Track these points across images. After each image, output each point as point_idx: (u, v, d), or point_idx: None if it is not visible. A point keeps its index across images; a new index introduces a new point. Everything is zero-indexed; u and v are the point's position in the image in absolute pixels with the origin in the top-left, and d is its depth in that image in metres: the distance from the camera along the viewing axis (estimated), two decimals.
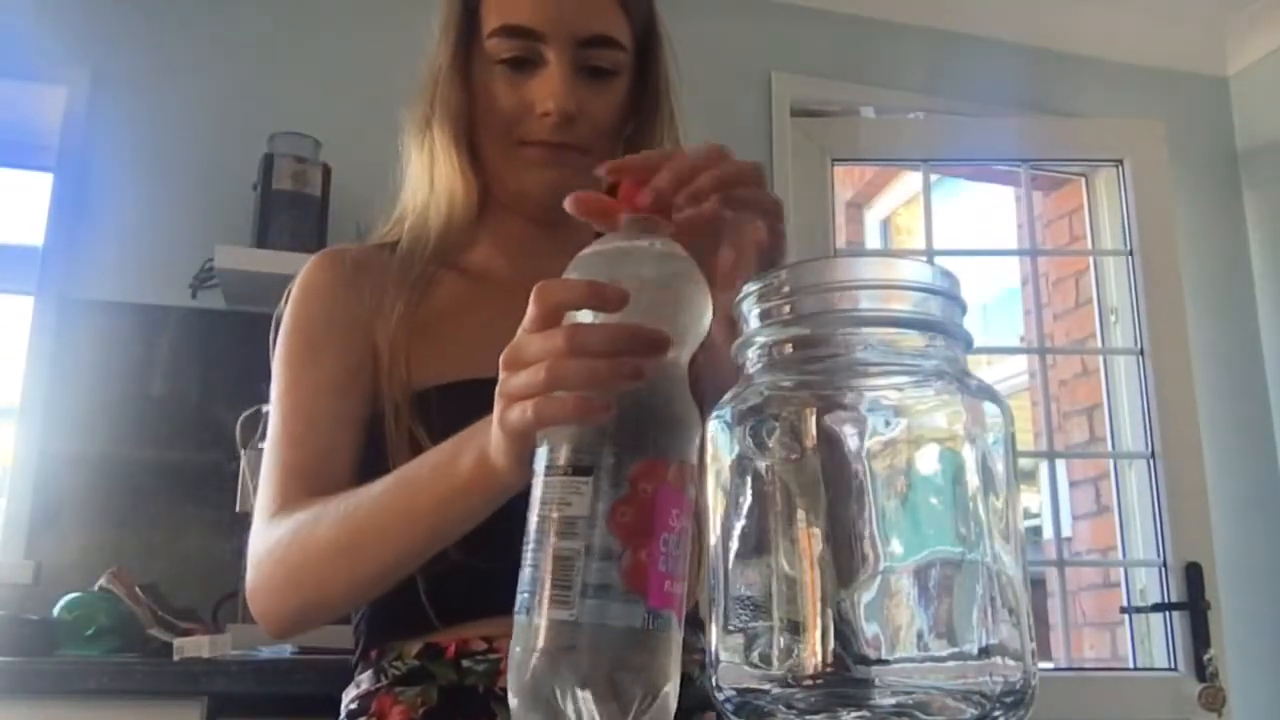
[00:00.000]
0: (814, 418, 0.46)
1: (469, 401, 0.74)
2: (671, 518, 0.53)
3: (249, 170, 2.24)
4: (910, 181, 3.60)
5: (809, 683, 0.44)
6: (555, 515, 0.52)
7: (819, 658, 0.44)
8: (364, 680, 0.86)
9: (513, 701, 0.53)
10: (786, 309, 0.48)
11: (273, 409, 0.92)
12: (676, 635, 0.52)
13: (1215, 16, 3.01)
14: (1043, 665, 3.19)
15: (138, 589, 1.83)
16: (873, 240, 4.01)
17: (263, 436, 2.01)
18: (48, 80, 2.36)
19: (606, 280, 0.55)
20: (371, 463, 0.86)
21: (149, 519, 2.15)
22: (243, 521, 1.97)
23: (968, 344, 0.47)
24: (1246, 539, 2.69)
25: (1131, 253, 2.69)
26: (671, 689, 0.52)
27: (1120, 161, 2.75)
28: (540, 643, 0.51)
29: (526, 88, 0.91)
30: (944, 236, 2.85)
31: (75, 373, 2.20)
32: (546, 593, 0.50)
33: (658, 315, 0.55)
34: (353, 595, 0.82)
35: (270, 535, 0.83)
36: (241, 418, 2.05)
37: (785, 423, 0.48)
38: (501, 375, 0.59)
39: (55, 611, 1.79)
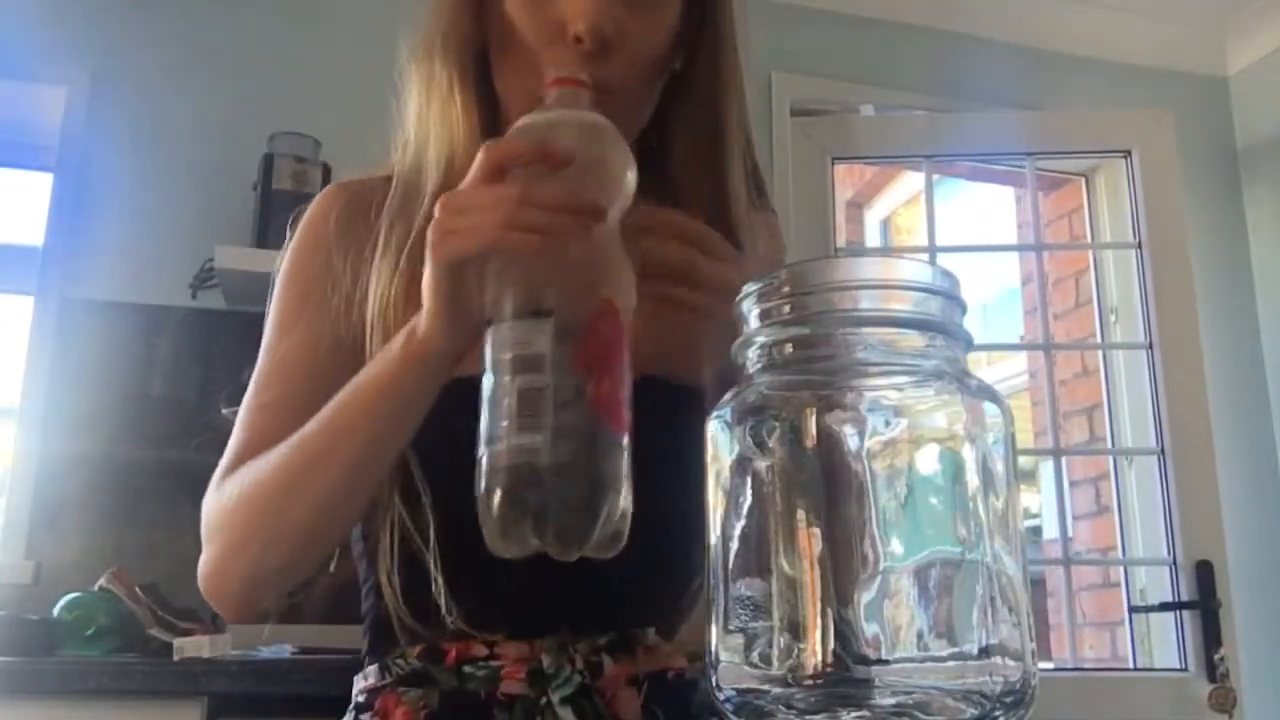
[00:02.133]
0: (814, 417, 0.46)
1: (467, 399, 0.66)
2: (624, 352, 0.59)
3: (249, 170, 2.24)
4: (910, 181, 3.60)
5: (809, 683, 0.44)
6: (518, 355, 0.57)
7: (819, 658, 0.44)
8: (371, 673, 0.85)
9: (486, 525, 0.56)
10: (786, 309, 0.48)
11: (257, 365, 0.86)
12: (627, 454, 0.58)
13: (1215, 16, 3.01)
14: (1046, 665, 3.18)
15: (138, 589, 1.83)
16: (873, 240, 4.01)
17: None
18: (48, 80, 2.36)
19: (548, 141, 0.61)
20: None
21: (149, 519, 2.14)
22: None
23: (968, 344, 0.47)
24: (1257, 537, 2.69)
25: (1140, 245, 2.68)
26: (628, 505, 0.58)
27: (1128, 153, 2.74)
28: (510, 461, 0.56)
29: (553, 5, 0.77)
30: (944, 237, 2.84)
31: (75, 373, 2.20)
32: (514, 422, 0.55)
33: (592, 179, 0.61)
34: (314, 527, 0.75)
35: (222, 493, 0.78)
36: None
37: (785, 423, 0.47)
38: (439, 216, 0.60)
39: (55, 611, 1.79)
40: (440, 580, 0.77)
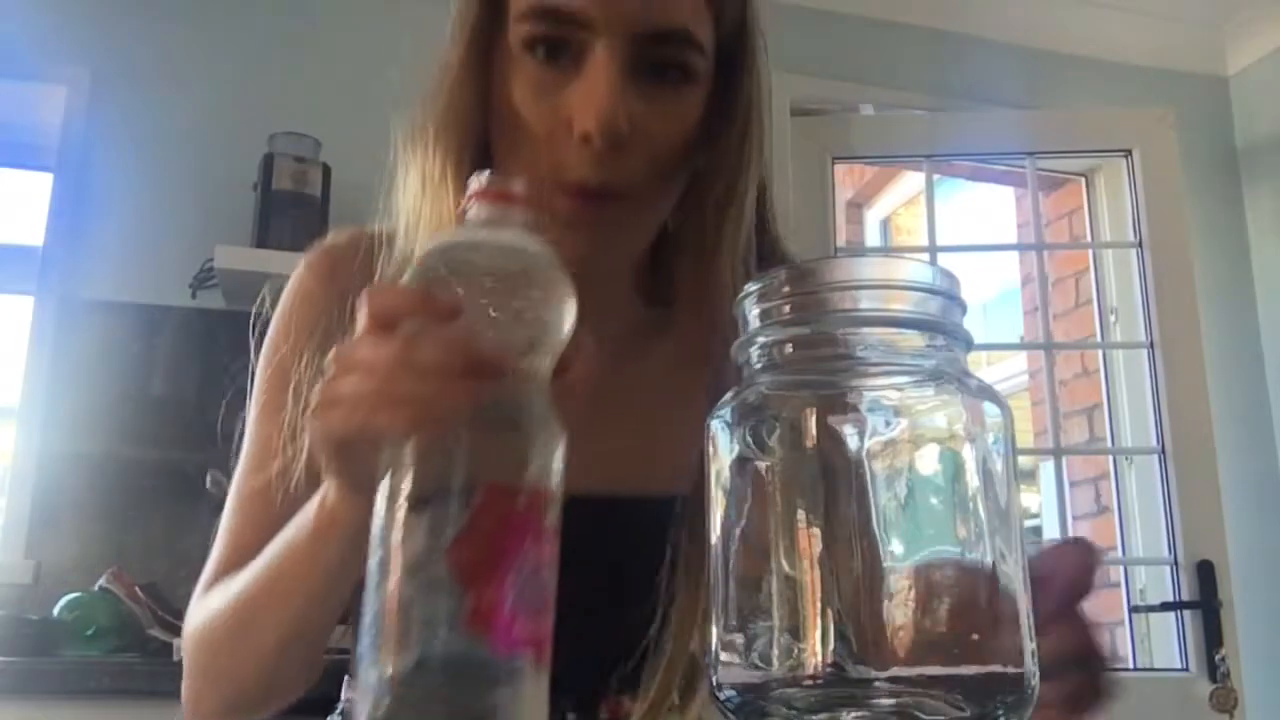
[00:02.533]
0: (814, 417, 0.46)
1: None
2: (523, 549, 0.48)
3: (249, 170, 2.24)
4: (910, 181, 3.60)
5: (809, 683, 0.44)
6: (394, 554, 0.47)
7: (819, 658, 0.44)
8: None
9: None
10: (787, 309, 0.47)
11: (245, 439, 0.82)
12: (533, 677, 0.48)
13: (1215, 16, 3.01)
14: None
15: (138, 589, 1.83)
16: (873, 240, 4.01)
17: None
18: (48, 80, 2.36)
19: (447, 279, 0.49)
20: None
21: (149, 519, 2.15)
22: None
23: (968, 344, 0.47)
24: (1258, 536, 2.69)
25: (1141, 245, 2.68)
26: None
27: (1129, 152, 2.74)
28: (384, 692, 0.47)
29: (562, 95, 0.68)
30: (944, 237, 2.84)
31: (75, 373, 2.20)
32: (385, 644, 0.47)
33: (507, 320, 0.50)
34: (266, 678, 0.72)
35: (193, 618, 0.75)
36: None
37: (785, 422, 0.47)
38: (326, 379, 0.52)
39: (55, 611, 1.79)
40: None
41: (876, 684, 0.43)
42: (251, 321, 0.84)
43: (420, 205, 0.75)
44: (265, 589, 0.68)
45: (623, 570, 0.76)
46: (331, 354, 0.51)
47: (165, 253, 2.28)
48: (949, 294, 0.47)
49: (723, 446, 0.49)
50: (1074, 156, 2.90)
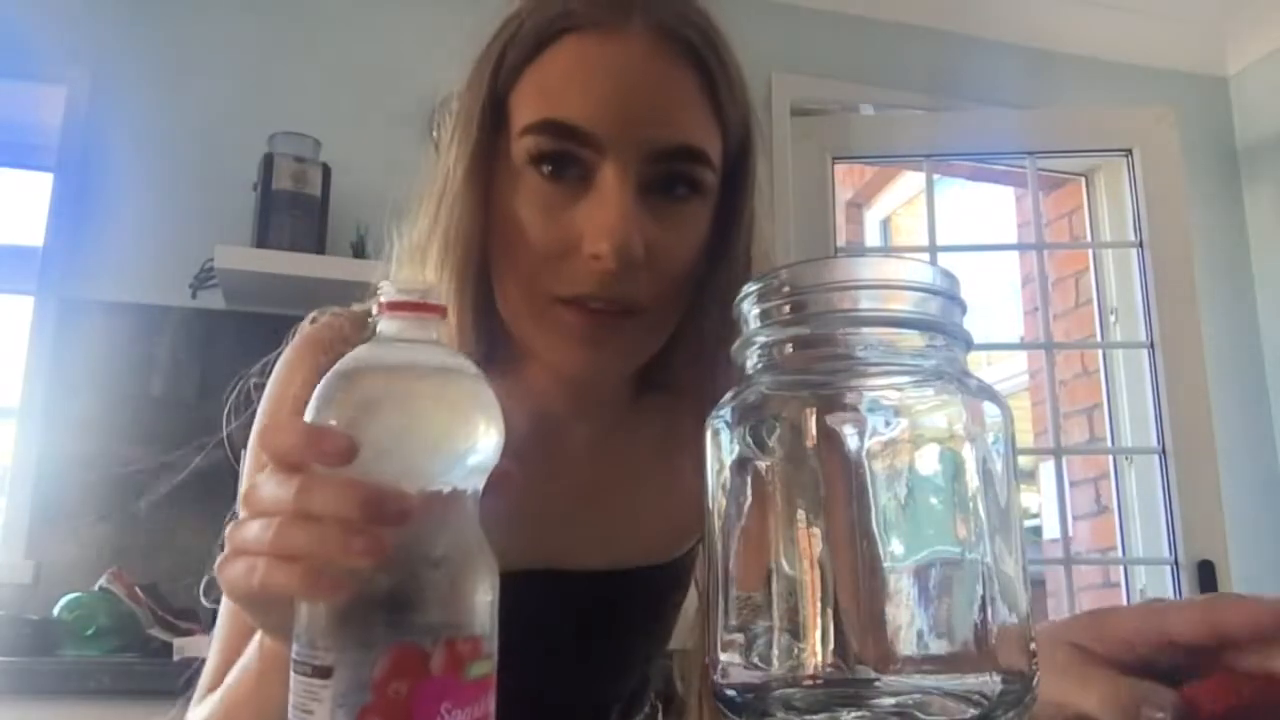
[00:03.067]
0: (814, 417, 0.45)
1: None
2: (438, 718, 0.43)
3: (249, 170, 2.24)
4: (910, 181, 3.60)
5: (809, 683, 0.44)
6: None
7: (819, 657, 0.44)
8: None
9: None
10: (786, 309, 0.47)
11: None
12: None
13: (1215, 16, 3.01)
14: None
15: (138, 589, 1.83)
16: (873, 240, 4.01)
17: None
18: (48, 80, 2.36)
19: (349, 410, 0.45)
20: None
21: (149, 519, 2.15)
22: None
23: (968, 344, 0.47)
24: (1259, 536, 2.69)
25: (1141, 244, 2.68)
26: None
27: (1129, 151, 2.74)
28: None
29: (569, 215, 0.65)
30: (944, 237, 2.84)
31: (75, 373, 2.20)
32: None
33: (421, 447, 0.45)
34: None
35: None
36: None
37: (785, 422, 0.46)
38: (236, 519, 0.48)
39: (55, 611, 1.79)
40: None
41: (877, 684, 0.43)
42: (226, 405, 0.81)
43: None
44: None
45: (622, 639, 0.82)
46: (241, 493, 0.48)
47: (165, 253, 2.28)
48: (949, 294, 0.46)
49: (723, 446, 0.48)
50: (1074, 156, 2.90)
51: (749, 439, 0.47)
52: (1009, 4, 2.90)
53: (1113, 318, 2.82)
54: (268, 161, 2.21)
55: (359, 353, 0.47)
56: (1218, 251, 2.91)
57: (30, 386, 2.19)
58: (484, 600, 0.45)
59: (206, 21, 2.46)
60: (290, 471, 0.45)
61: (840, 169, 2.95)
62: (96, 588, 1.83)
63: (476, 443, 0.46)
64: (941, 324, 0.46)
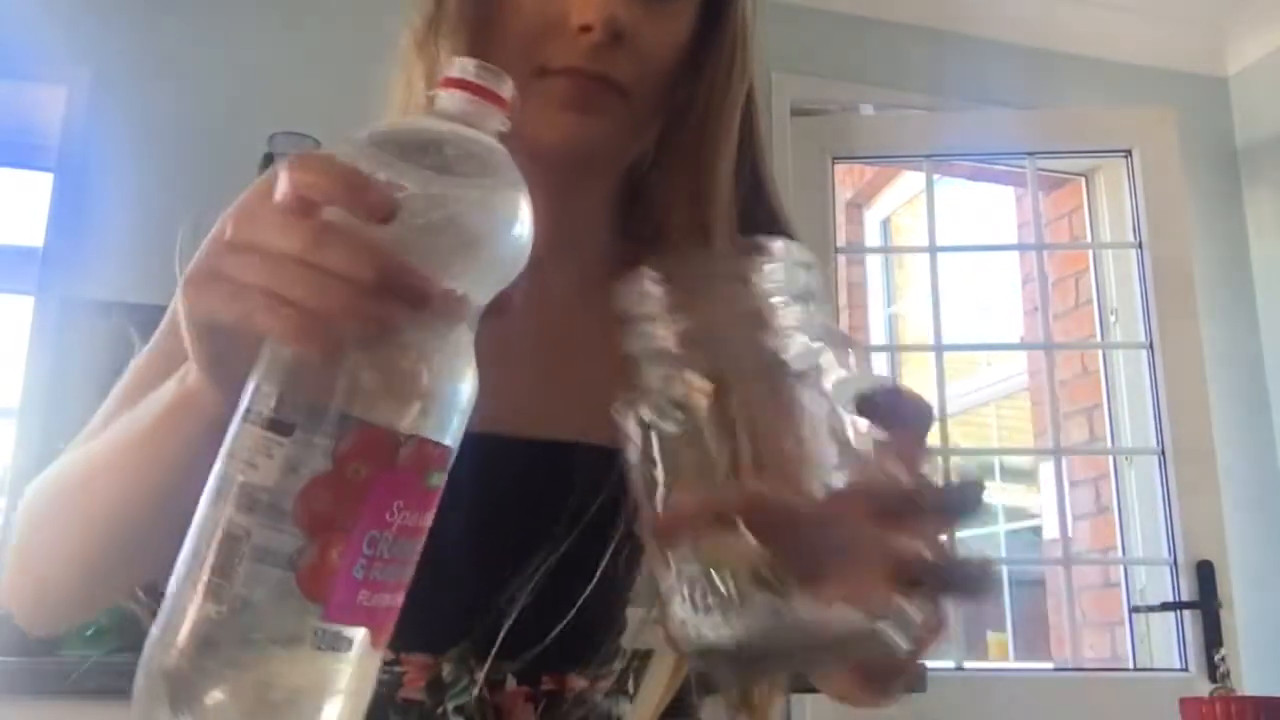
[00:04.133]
0: (704, 386, 0.44)
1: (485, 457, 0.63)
2: (389, 512, 0.41)
3: (249, 170, 2.24)
4: (910, 181, 3.60)
5: (738, 621, 0.42)
6: (238, 477, 0.41)
7: (738, 595, 0.41)
8: None
9: (137, 690, 0.42)
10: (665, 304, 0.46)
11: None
12: (362, 658, 0.42)
13: (1215, 16, 3.01)
14: (1046, 665, 3.19)
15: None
16: (873, 240, 4.01)
17: None
18: (48, 80, 2.36)
19: (389, 174, 0.42)
20: None
21: None
22: None
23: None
24: (1258, 536, 2.69)
25: (1140, 245, 2.68)
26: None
27: (1129, 152, 2.74)
28: (180, 636, 0.41)
29: None
30: (944, 237, 2.84)
31: (75, 373, 2.20)
32: (203, 575, 0.41)
33: (449, 232, 0.42)
34: (81, 565, 0.64)
35: (28, 491, 0.69)
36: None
37: (673, 398, 0.45)
38: (209, 245, 0.44)
39: None
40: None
41: (797, 606, 0.41)
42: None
43: (421, 95, 0.74)
44: (102, 462, 0.61)
45: (578, 520, 0.75)
46: (230, 210, 0.44)
47: (165, 253, 2.27)
48: (807, 265, 0.45)
49: (632, 432, 0.47)
50: (1074, 156, 2.90)
51: (649, 417, 0.45)
52: (1009, 4, 2.90)
53: (1113, 318, 2.82)
54: (268, 161, 2.21)
55: (413, 118, 0.45)
56: (1217, 251, 2.91)
57: (30, 386, 2.19)
58: (461, 416, 0.44)
59: (206, 22, 2.46)
60: (302, 213, 0.41)
61: (840, 169, 2.95)
62: None
63: (510, 255, 0.44)
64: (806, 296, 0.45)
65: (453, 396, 0.44)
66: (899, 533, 0.40)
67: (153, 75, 2.39)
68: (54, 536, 0.65)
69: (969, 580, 0.40)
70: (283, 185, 0.42)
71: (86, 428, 0.74)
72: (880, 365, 3.73)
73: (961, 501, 0.41)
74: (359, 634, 0.42)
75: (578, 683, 0.80)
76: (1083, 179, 2.95)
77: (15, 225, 2.48)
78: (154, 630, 0.42)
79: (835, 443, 0.41)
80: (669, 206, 0.77)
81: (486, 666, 0.74)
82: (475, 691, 0.74)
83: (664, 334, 0.43)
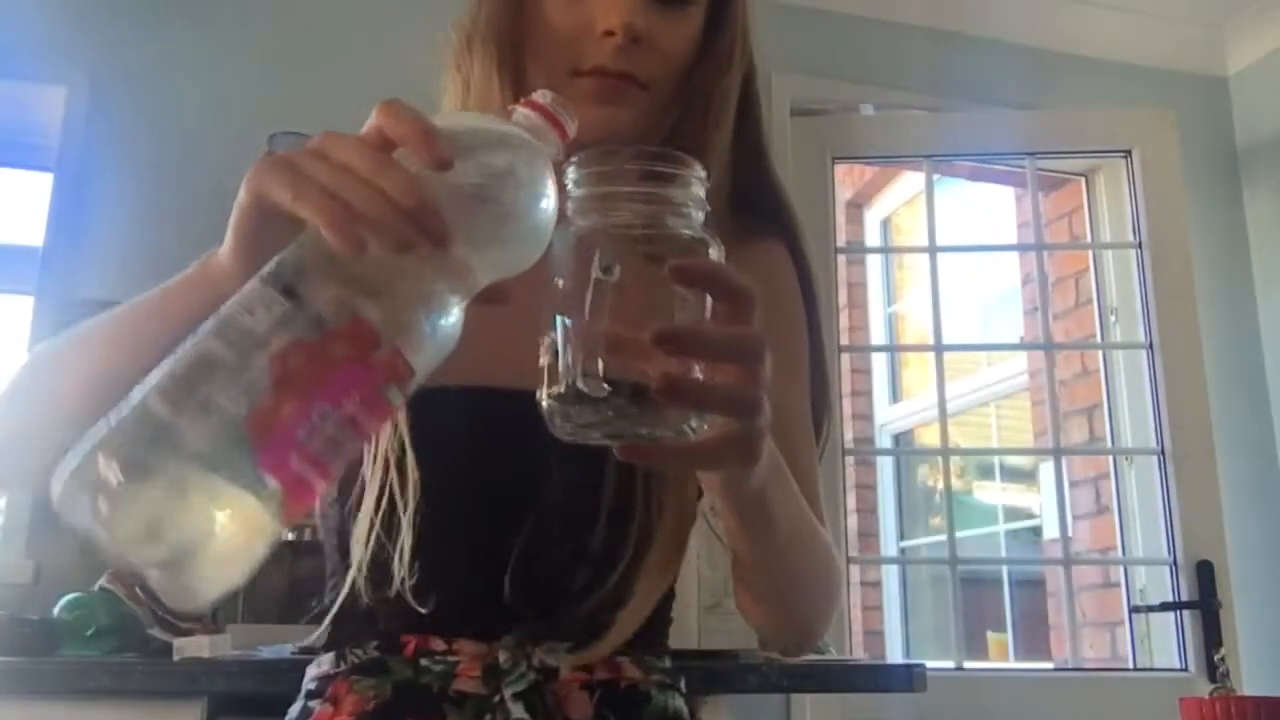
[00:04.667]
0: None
1: (478, 411, 0.73)
2: (346, 397, 0.47)
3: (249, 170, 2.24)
4: (910, 181, 3.60)
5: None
6: (235, 318, 0.48)
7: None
8: (325, 661, 0.85)
9: (66, 461, 0.46)
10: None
11: None
12: (264, 518, 0.46)
13: (1215, 16, 3.01)
14: (1046, 665, 3.19)
15: (138, 589, 1.83)
16: (873, 239, 4.01)
17: None
18: (48, 80, 2.36)
19: (456, 146, 0.50)
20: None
21: None
22: None
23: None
24: (1258, 536, 2.69)
25: (1140, 245, 2.68)
26: (218, 570, 0.47)
27: (1129, 152, 2.74)
28: (126, 421, 0.46)
29: (585, 3, 0.80)
30: (944, 237, 2.84)
31: None
32: (169, 384, 0.46)
33: (478, 209, 0.51)
34: (70, 413, 0.63)
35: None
36: None
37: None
38: (306, 148, 0.52)
39: (55, 611, 1.79)
40: (412, 571, 0.78)
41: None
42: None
43: (466, 103, 0.84)
44: (114, 317, 0.69)
45: (571, 478, 0.79)
46: (319, 137, 0.52)
47: (165, 253, 2.26)
48: (703, 180, 0.55)
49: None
50: (1074, 156, 2.90)
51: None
52: (1009, 4, 2.90)
53: (1113, 318, 2.82)
54: None
55: (496, 120, 0.55)
56: (1217, 252, 2.91)
57: None
58: (434, 353, 0.51)
59: (206, 22, 2.46)
60: (377, 146, 0.50)
61: (840, 169, 2.95)
62: (96, 588, 1.83)
63: (524, 246, 0.53)
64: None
65: (432, 331, 0.51)
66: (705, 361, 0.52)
67: (152, 75, 2.39)
68: (49, 388, 0.70)
69: (734, 403, 0.52)
70: (370, 123, 0.52)
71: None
72: (880, 365, 3.75)
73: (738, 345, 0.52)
74: (275, 491, 0.46)
75: (632, 672, 0.83)
76: (1083, 179, 2.95)
77: (15, 225, 2.47)
78: (104, 419, 0.46)
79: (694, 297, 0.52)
80: None
81: (536, 652, 0.78)
82: (533, 677, 0.77)
83: (618, 199, 0.53)
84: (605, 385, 0.51)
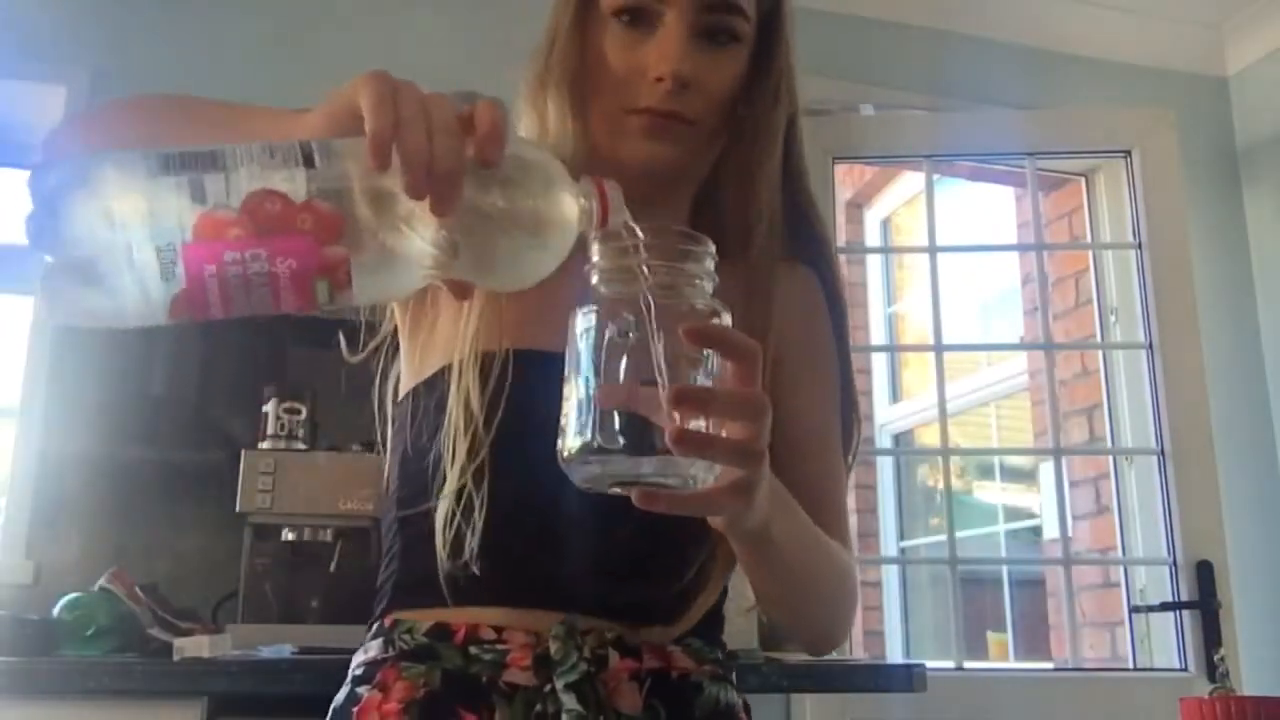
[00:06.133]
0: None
1: (537, 372, 0.78)
2: (283, 255, 0.54)
3: None
4: (910, 181, 3.60)
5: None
6: (258, 147, 0.55)
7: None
8: (373, 648, 0.86)
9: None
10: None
11: None
12: (160, 288, 0.55)
13: (1215, 16, 3.01)
14: (1046, 665, 3.19)
15: (138, 589, 1.83)
16: (873, 239, 4.01)
17: (263, 437, 2.01)
18: (48, 80, 2.36)
19: (510, 166, 0.59)
20: (428, 414, 0.86)
21: (149, 519, 2.15)
22: (242, 521, 1.97)
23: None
24: (1257, 537, 2.69)
25: (1140, 245, 2.68)
26: (90, 295, 0.58)
27: (1128, 152, 2.74)
28: (107, 168, 0.54)
29: (641, 50, 0.88)
30: (944, 237, 2.84)
31: (75, 373, 2.20)
32: (171, 154, 0.54)
33: (483, 223, 0.58)
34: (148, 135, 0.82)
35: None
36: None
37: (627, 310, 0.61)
38: (400, 88, 0.59)
39: (55, 611, 1.79)
40: (444, 566, 0.82)
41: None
42: None
43: (541, 134, 0.92)
44: (222, 117, 0.82)
45: None
46: (423, 92, 0.59)
47: None
48: (714, 256, 0.63)
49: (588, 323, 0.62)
50: (1074, 156, 2.90)
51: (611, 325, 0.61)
52: (1009, 4, 2.90)
53: (1113, 318, 2.82)
54: None
55: (565, 178, 0.62)
56: (1217, 252, 2.91)
57: (30, 386, 2.19)
58: (382, 283, 0.59)
59: (206, 21, 2.46)
60: (462, 122, 0.58)
61: (840, 169, 2.95)
62: (96, 588, 1.83)
63: (523, 263, 0.61)
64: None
65: (388, 271, 0.58)
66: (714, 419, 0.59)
67: (152, 75, 2.39)
68: (135, 116, 0.89)
69: (738, 455, 0.59)
70: (475, 106, 0.59)
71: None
72: (880, 365, 3.75)
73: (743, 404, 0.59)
74: (179, 279, 0.54)
75: (684, 662, 0.85)
76: (1083, 179, 2.95)
77: (15, 225, 2.47)
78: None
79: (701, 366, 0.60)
80: (722, 211, 0.95)
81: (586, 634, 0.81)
82: (584, 668, 0.79)
83: (638, 272, 0.60)
84: (621, 438, 0.58)
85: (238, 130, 0.76)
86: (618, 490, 0.59)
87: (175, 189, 0.53)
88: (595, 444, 0.58)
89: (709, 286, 0.61)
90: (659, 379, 0.57)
